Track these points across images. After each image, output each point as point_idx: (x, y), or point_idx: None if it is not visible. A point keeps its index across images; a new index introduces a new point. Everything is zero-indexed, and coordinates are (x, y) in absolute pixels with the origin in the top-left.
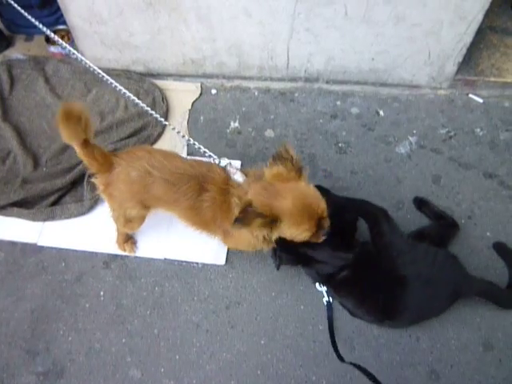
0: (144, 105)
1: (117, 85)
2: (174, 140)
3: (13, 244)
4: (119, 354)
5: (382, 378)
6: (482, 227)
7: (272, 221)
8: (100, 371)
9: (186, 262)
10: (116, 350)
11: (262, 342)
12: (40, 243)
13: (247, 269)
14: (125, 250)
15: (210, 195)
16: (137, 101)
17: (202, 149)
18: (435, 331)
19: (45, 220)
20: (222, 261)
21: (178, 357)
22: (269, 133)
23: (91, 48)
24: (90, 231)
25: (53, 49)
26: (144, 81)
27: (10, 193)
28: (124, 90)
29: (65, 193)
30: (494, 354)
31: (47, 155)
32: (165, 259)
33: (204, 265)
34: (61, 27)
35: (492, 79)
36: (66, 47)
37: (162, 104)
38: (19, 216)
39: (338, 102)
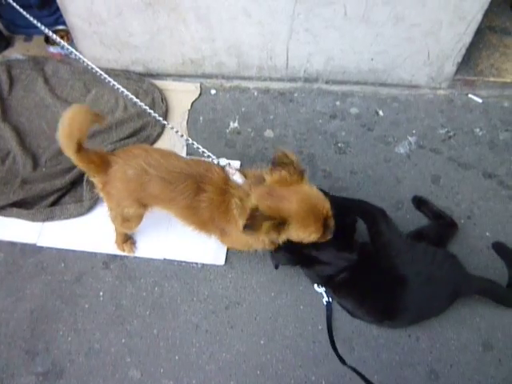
0: (142, 104)
1: (115, 84)
2: (174, 140)
3: (12, 244)
4: (119, 355)
5: (382, 378)
6: (482, 227)
7: (280, 224)
8: (99, 371)
9: (185, 262)
10: (115, 350)
11: (262, 342)
12: (39, 243)
13: (247, 269)
14: (124, 251)
15: (208, 195)
16: (135, 99)
17: (201, 149)
18: (435, 331)
19: (44, 220)
20: (221, 261)
21: (177, 357)
22: (268, 133)
23: (90, 48)
24: (89, 231)
25: (52, 49)
26: (143, 81)
27: (10, 193)
28: (122, 89)
29: (64, 193)
30: (493, 353)
31: (46, 155)
32: (164, 259)
33: (203, 265)
34: (60, 27)
35: (491, 79)
36: (66, 47)
37: (162, 104)
38: (19, 216)
39: (338, 102)
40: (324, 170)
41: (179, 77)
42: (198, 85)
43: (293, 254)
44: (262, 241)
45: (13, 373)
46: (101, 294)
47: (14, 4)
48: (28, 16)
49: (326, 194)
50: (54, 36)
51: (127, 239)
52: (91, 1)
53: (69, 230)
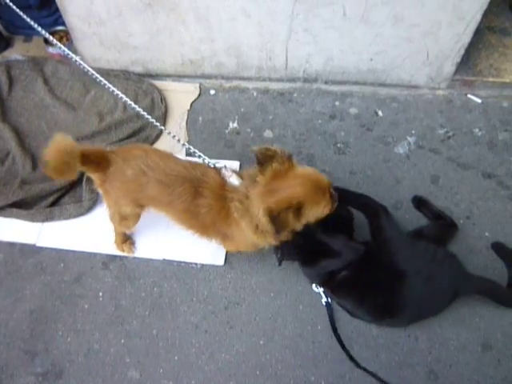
0: (140, 109)
1: (111, 87)
2: (173, 141)
3: (12, 245)
4: (118, 355)
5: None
6: (481, 227)
7: (298, 209)
8: (99, 372)
9: (184, 262)
10: (115, 350)
11: (261, 342)
12: (39, 244)
13: (246, 269)
14: (123, 251)
15: (207, 201)
16: (129, 102)
17: (198, 153)
18: (434, 331)
19: (44, 221)
20: (220, 261)
21: (176, 357)
22: (267, 133)
23: (90, 49)
24: (88, 232)
25: (51, 50)
26: (143, 81)
27: (9, 193)
28: (117, 92)
29: (63, 193)
30: (492, 354)
31: None
32: (163, 260)
33: (203, 265)
34: (60, 28)
35: (490, 79)
36: (62, 49)
37: (161, 105)
38: (18, 217)
39: (337, 103)
40: (323, 171)
41: (178, 77)
42: (198, 85)
43: (301, 248)
44: (267, 238)
45: (12, 373)
46: (100, 294)
47: (13, 6)
48: (26, 18)
49: (334, 189)
50: (51, 38)
51: (126, 239)
52: (91, 1)
53: (68, 231)
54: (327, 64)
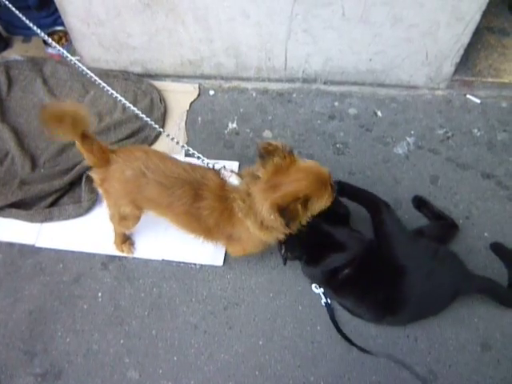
0: (139, 112)
1: (109, 89)
2: (172, 142)
3: (11, 245)
4: (117, 355)
5: (380, 378)
6: (480, 227)
7: (305, 201)
8: (98, 372)
9: (183, 262)
10: (114, 351)
11: (260, 342)
12: (38, 244)
13: (245, 270)
14: (123, 251)
15: (208, 203)
16: (128, 104)
17: (196, 154)
18: (433, 331)
19: (43, 221)
20: (219, 262)
21: (176, 358)
22: (267, 134)
23: (89, 49)
24: (87, 232)
25: (51, 50)
26: (142, 82)
27: (8, 194)
28: (116, 94)
29: (63, 194)
30: (492, 354)
31: (45, 156)
32: (163, 260)
33: (202, 266)
34: (59, 28)
35: (489, 80)
36: (61, 51)
37: (160, 105)
38: (17, 217)
39: (336, 103)
40: None
41: (178, 77)
42: (197, 85)
43: (306, 242)
44: (273, 234)
45: (11, 374)
46: (99, 294)
47: (12, 8)
48: (25, 19)
49: (338, 183)
50: (51, 41)
51: (126, 240)
52: (89, 2)
53: (67, 231)
54: (326, 64)
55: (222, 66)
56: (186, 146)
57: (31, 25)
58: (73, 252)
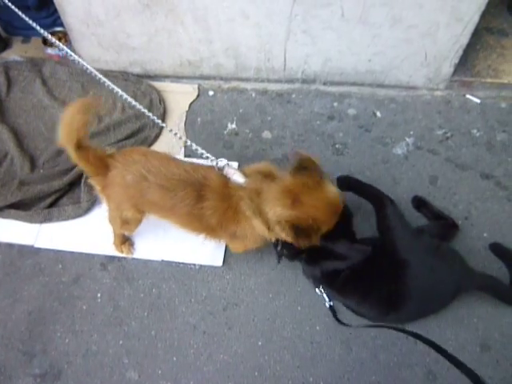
0: (141, 107)
1: (114, 87)
2: (172, 142)
3: (10, 246)
4: (116, 356)
5: (380, 379)
6: (479, 228)
7: (317, 228)
8: (97, 373)
9: (183, 263)
10: (113, 351)
11: (260, 343)
12: (37, 245)
13: (244, 270)
14: (122, 252)
15: (211, 203)
16: (134, 103)
17: (200, 150)
18: (432, 332)
19: (42, 222)
20: (219, 262)
21: (175, 358)
22: (266, 134)
23: (88, 50)
24: (87, 233)
25: (50, 51)
26: (141, 82)
27: (7, 195)
28: (121, 92)
29: (62, 195)
30: (491, 354)
31: (44, 157)
32: (162, 261)
33: (201, 266)
34: (58, 29)
35: (488, 80)
36: (64, 50)
37: (159, 106)
38: (16, 218)
39: (335, 104)
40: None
41: (177, 78)
42: (196, 86)
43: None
44: (274, 232)
45: (10, 374)
46: (98, 295)
47: (13, 7)
48: (27, 19)
49: (345, 177)
50: (53, 39)
51: (125, 241)
52: (89, 2)
53: (66, 232)
54: (325, 65)
55: (222, 67)
56: (189, 141)
57: (34, 25)
58: (72, 252)
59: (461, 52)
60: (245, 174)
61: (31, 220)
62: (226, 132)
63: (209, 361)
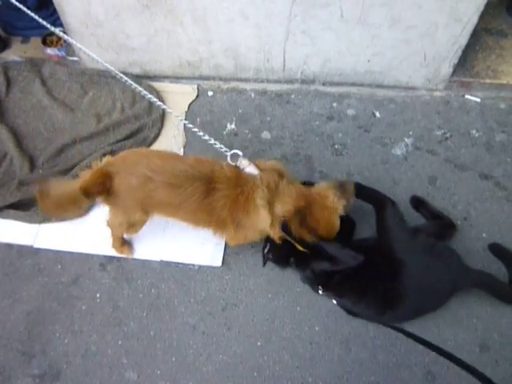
0: (159, 102)
1: (128, 80)
2: (170, 142)
3: (9, 246)
4: (115, 356)
5: (379, 379)
6: (478, 228)
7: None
8: (96, 373)
9: (182, 263)
10: (112, 352)
11: (259, 343)
12: (36, 245)
13: (243, 270)
14: (123, 253)
15: (223, 193)
16: (148, 95)
17: (212, 141)
18: (431, 332)
19: (41, 222)
20: (218, 262)
21: (174, 359)
22: (265, 134)
23: (88, 50)
24: (86, 233)
25: (49, 51)
26: (140, 83)
27: (7, 195)
28: (135, 85)
29: None
30: (490, 354)
31: (43, 157)
32: (161, 261)
33: (200, 266)
34: (57, 29)
35: (487, 81)
36: (78, 46)
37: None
38: (15, 218)
39: (335, 104)
40: (321, 172)
41: (176, 79)
42: (195, 86)
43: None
44: (274, 226)
45: (9, 375)
46: (98, 295)
47: (24, 8)
48: (39, 19)
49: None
50: (66, 36)
51: (124, 242)
52: (88, 3)
53: (65, 232)
54: (325, 65)
55: (221, 67)
56: (202, 132)
57: (48, 25)
58: (71, 253)
59: (460, 52)
60: (258, 167)
61: (30, 220)
62: (225, 132)
63: (208, 361)
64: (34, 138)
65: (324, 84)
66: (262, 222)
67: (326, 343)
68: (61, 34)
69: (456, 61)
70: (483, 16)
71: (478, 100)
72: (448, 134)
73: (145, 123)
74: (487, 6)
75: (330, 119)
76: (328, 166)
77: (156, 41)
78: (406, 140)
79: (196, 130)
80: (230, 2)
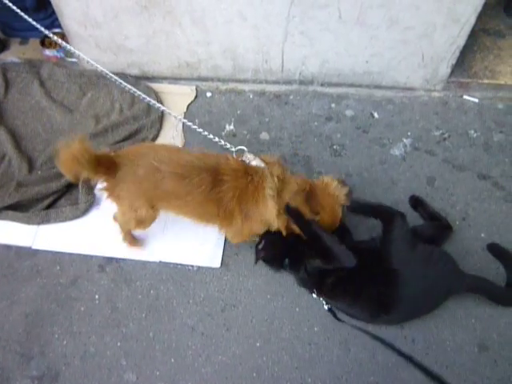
0: (158, 104)
1: (124, 83)
2: (170, 142)
3: (7, 247)
4: (114, 358)
5: (378, 379)
6: (477, 228)
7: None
8: (95, 375)
9: (181, 264)
10: (111, 353)
11: (258, 344)
12: (35, 247)
13: (242, 271)
14: (134, 245)
15: (231, 185)
16: (147, 99)
17: (217, 138)
18: (430, 332)
19: (39, 223)
20: (217, 263)
21: (173, 360)
22: (264, 135)
23: (86, 51)
24: (84, 234)
25: (48, 52)
26: (139, 84)
27: (5, 196)
28: (130, 87)
29: (60, 196)
30: (489, 354)
31: (42, 158)
32: (160, 262)
33: (199, 267)
34: (56, 31)
35: (485, 81)
36: (71, 49)
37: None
38: (14, 219)
39: (333, 105)
40: (319, 172)
41: (175, 80)
42: (194, 87)
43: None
44: (280, 216)
45: (8, 376)
46: (96, 297)
47: (22, 13)
48: (36, 24)
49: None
50: (60, 40)
51: (133, 236)
52: (87, 4)
53: (64, 233)
54: (323, 66)
55: (219, 68)
56: (209, 133)
57: (42, 28)
58: (70, 254)
59: (458, 53)
60: (264, 161)
61: (29, 221)
62: (223, 133)
63: (207, 362)
64: (33, 139)
65: (322, 85)
66: (270, 212)
67: (325, 344)
68: (55, 37)
69: (454, 61)
70: (481, 17)
71: (476, 100)
72: (446, 135)
73: (143, 124)
74: (485, 6)
75: (328, 120)
76: (326, 167)
77: (154, 42)
78: (405, 140)
79: (196, 127)
80: (229, 3)
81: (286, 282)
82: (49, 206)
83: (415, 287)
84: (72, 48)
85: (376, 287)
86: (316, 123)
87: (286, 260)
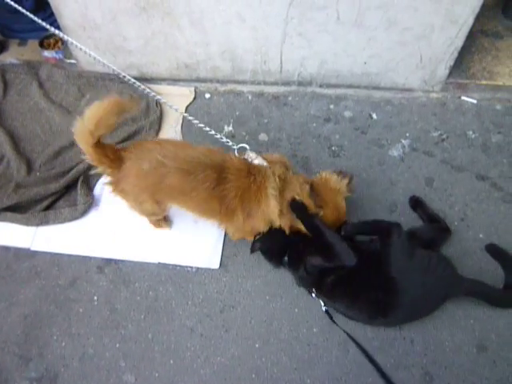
0: (163, 99)
1: (131, 79)
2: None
3: (6, 249)
4: (113, 359)
5: (377, 380)
6: (475, 229)
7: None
8: (94, 376)
9: (180, 265)
10: (110, 354)
11: (257, 345)
12: (33, 248)
13: (241, 272)
14: (161, 227)
15: (235, 184)
16: (152, 93)
17: (219, 135)
18: (429, 333)
19: (38, 225)
20: (216, 264)
21: (172, 361)
22: (262, 137)
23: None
24: (83, 236)
25: (47, 53)
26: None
27: (4, 197)
28: (139, 84)
29: (58, 197)
30: (487, 355)
31: (41, 160)
32: (159, 263)
33: (198, 269)
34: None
35: (483, 82)
36: (77, 46)
37: (156, 108)
38: (12, 221)
39: (331, 106)
40: (318, 173)
41: (174, 81)
42: (193, 89)
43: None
44: (282, 215)
45: (6, 378)
46: (95, 298)
47: (26, 11)
48: (38, 19)
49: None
50: (66, 37)
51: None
52: (85, 6)
53: (63, 234)
54: (321, 67)
55: (218, 70)
56: (213, 131)
57: (47, 26)
58: (68, 255)
59: (456, 54)
60: (266, 160)
61: (27, 223)
62: (222, 134)
63: (206, 363)
64: (32, 141)
65: (321, 86)
66: (272, 212)
67: (324, 345)
68: (61, 34)
69: (452, 62)
70: (479, 18)
71: (474, 101)
72: (444, 136)
73: (142, 126)
74: (483, 7)
75: (326, 121)
76: (325, 168)
77: (153, 43)
78: (403, 141)
79: (198, 122)
80: (227, 4)
81: (284, 283)
82: (47, 208)
83: (414, 294)
84: (78, 44)
85: (375, 292)
86: (314, 124)
87: (286, 258)
